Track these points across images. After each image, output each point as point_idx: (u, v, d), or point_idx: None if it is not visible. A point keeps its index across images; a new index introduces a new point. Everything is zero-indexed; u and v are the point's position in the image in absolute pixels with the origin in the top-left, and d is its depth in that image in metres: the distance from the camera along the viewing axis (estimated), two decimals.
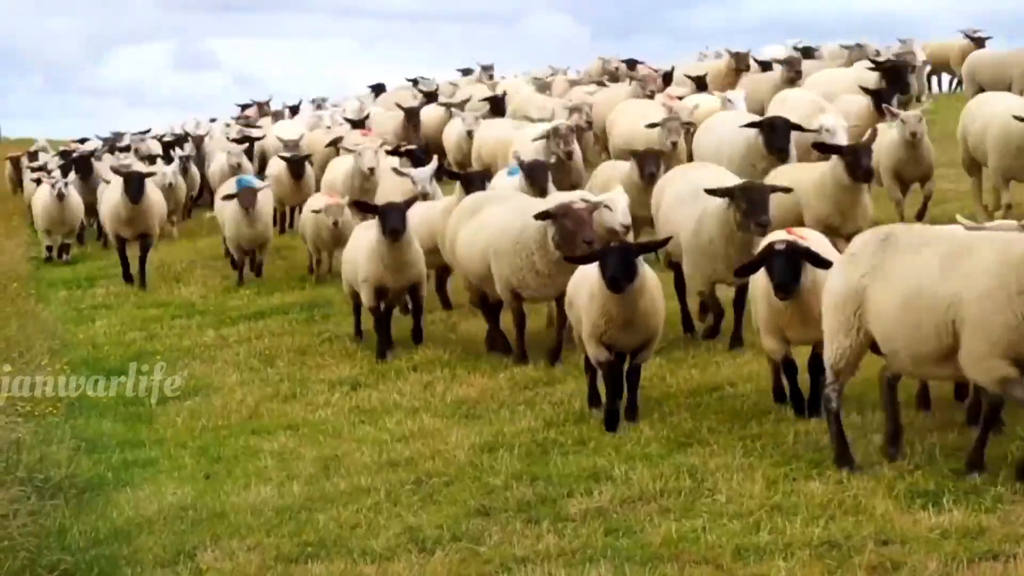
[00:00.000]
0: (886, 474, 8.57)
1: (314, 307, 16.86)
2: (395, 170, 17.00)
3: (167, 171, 23.81)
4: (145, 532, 9.15)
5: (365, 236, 13.93)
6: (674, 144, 17.18)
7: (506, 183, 14.92)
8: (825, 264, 9.35)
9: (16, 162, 32.17)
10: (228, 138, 27.65)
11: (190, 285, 19.44)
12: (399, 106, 26.21)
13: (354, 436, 11.10)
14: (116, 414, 12.54)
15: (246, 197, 18.55)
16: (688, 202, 12.34)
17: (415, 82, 32.98)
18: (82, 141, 32.00)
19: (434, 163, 17.16)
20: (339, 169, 19.28)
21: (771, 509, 8.19)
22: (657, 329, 10.47)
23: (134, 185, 19.53)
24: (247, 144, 24.95)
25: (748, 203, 11.53)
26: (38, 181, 25.56)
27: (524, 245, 12.26)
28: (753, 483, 8.64)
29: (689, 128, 17.62)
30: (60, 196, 22.91)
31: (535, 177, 14.31)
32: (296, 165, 21.23)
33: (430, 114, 25.78)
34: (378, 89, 35.42)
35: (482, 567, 7.86)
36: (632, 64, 28.77)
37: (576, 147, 17.36)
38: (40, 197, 23.72)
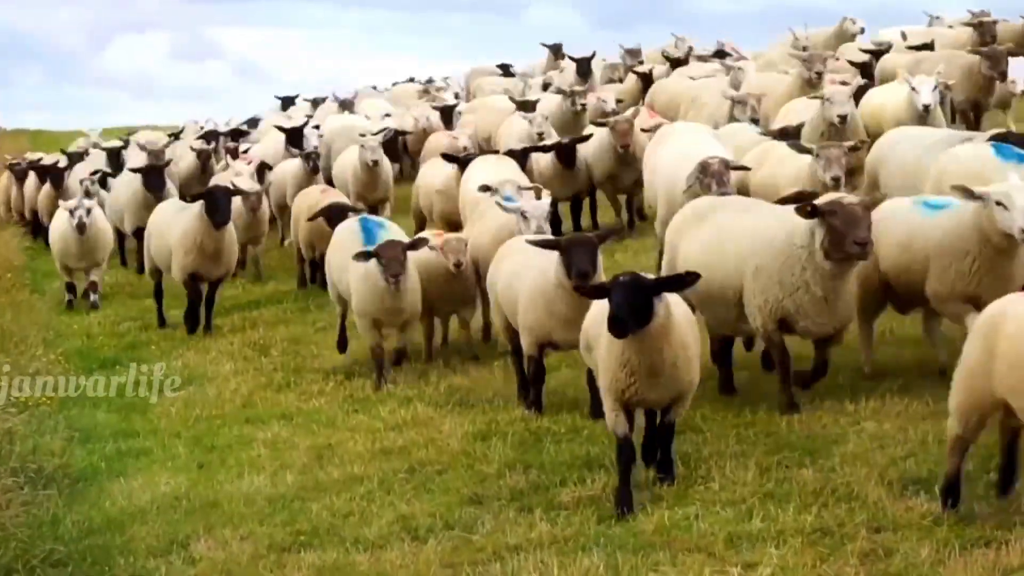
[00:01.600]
0: (878, 461, 8.58)
1: (308, 296, 16.84)
2: (498, 204, 12.30)
3: (247, 180, 17.90)
4: (138, 522, 9.17)
5: (528, 274, 10.45)
6: (836, 180, 11.82)
7: None
8: None
9: (21, 176, 24.34)
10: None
11: None
12: (513, 100, 21.68)
13: (347, 425, 11.11)
14: (110, 404, 12.55)
15: (393, 263, 11.68)
16: None
17: (505, 70, 30.26)
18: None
19: (548, 200, 12.67)
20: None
21: (764, 497, 8.20)
22: (690, 383, 8.51)
23: (220, 203, 14.55)
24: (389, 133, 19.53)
25: None
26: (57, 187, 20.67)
27: (795, 256, 9.56)
28: (746, 471, 8.64)
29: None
30: (81, 227, 16.82)
31: None
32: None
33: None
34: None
35: (475, 555, 7.87)
36: (722, 54, 24.69)
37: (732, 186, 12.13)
38: (57, 225, 17.80)
